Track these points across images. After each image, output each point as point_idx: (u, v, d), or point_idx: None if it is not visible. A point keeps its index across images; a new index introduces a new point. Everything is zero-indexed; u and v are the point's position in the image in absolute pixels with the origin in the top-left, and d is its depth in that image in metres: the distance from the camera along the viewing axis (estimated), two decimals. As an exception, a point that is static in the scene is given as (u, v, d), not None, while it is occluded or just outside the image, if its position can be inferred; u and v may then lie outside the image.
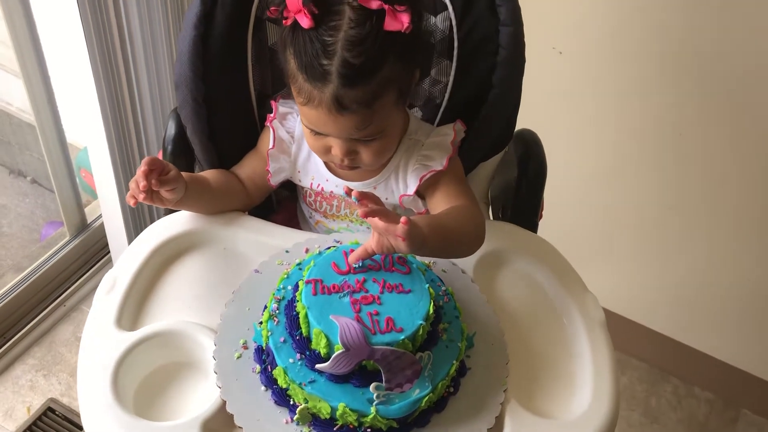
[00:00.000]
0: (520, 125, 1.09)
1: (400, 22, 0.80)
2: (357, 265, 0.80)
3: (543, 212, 1.12)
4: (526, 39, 0.98)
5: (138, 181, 0.83)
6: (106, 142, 1.53)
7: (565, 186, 1.60)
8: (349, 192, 0.76)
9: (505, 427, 0.80)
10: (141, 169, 0.84)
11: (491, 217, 1.15)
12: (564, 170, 1.55)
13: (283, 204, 1.11)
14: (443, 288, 0.86)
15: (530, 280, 0.97)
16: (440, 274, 0.90)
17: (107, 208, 1.69)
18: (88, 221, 1.92)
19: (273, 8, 0.83)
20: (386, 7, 0.80)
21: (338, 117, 0.83)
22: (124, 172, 1.59)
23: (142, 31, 1.41)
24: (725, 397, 1.82)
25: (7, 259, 2.14)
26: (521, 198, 1.07)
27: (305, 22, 0.80)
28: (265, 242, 0.95)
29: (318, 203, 1.02)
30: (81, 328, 1.81)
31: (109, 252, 1.89)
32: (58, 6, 1.34)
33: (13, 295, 1.76)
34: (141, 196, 0.84)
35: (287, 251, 0.93)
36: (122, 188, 1.62)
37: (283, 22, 0.83)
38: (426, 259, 0.90)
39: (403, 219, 0.74)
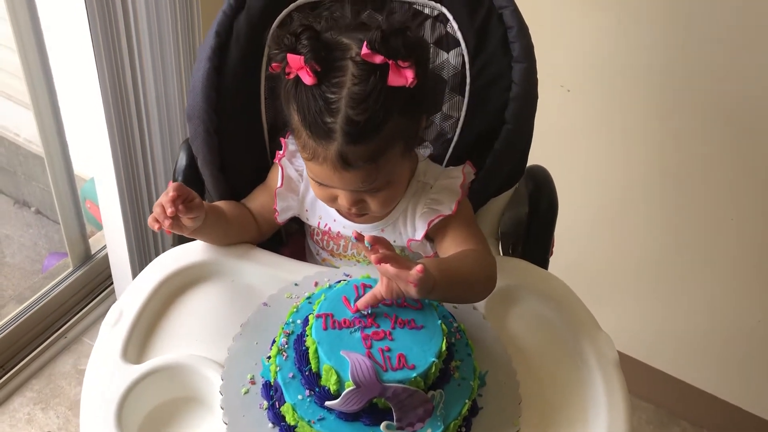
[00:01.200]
0: (531, 162, 1.09)
1: (404, 77, 0.79)
2: (366, 312, 0.78)
3: (553, 249, 1.11)
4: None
5: (165, 206, 0.83)
6: (114, 173, 1.53)
7: (568, 226, 1.59)
8: (359, 237, 0.75)
9: (518, 469, 0.78)
10: (169, 194, 0.83)
11: (501, 253, 1.14)
12: (568, 209, 1.55)
13: (293, 237, 1.10)
14: (455, 324, 0.85)
15: (542, 317, 0.96)
16: (451, 310, 0.89)
17: (112, 238, 1.68)
18: (92, 252, 1.91)
19: (275, 64, 0.82)
20: (389, 62, 0.78)
21: (344, 173, 0.83)
22: (130, 203, 1.59)
23: (153, 63, 1.42)
24: (735, 440, 1.79)
25: (9, 290, 2.13)
26: (532, 234, 1.06)
27: (308, 79, 0.79)
28: (274, 275, 0.94)
29: (325, 242, 1.01)
30: (82, 361, 1.80)
31: (112, 284, 1.87)
32: (70, 38, 1.36)
33: (13, 326, 1.74)
34: (167, 223, 0.83)
35: (296, 284, 0.92)
36: (128, 219, 1.61)
37: (286, 76, 0.82)
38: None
39: (419, 267, 0.72)
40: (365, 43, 0.78)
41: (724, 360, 1.73)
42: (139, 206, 1.63)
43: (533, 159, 1.10)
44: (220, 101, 0.96)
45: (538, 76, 0.99)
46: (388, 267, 0.73)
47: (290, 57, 0.78)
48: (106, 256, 1.88)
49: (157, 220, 0.84)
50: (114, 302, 0.89)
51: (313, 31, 0.80)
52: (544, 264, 1.06)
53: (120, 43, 1.36)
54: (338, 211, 0.98)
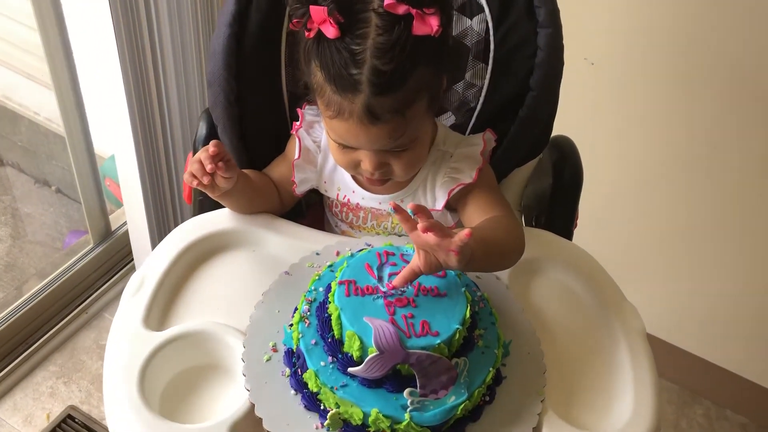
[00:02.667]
0: (556, 133, 1.07)
1: (429, 25, 0.77)
2: (404, 290, 0.77)
3: (578, 222, 1.09)
4: None
5: (204, 162, 0.83)
6: (134, 149, 1.53)
7: (592, 200, 1.57)
8: (396, 208, 0.73)
9: (543, 439, 0.77)
10: (209, 150, 0.83)
11: (524, 225, 1.12)
12: (591, 183, 1.53)
13: (312, 209, 1.09)
14: (479, 293, 0.83)
15: (566, 288, 0.94)
16: (475, 279, 0.88)
17: (132, 214, 1.68)
18: (113, 229, 1.92)
19: (295, 20, 0.80)
20: (413, 11, 0.77)
21: (370, 127, 0.80)
22: (150, 179, 1.59)
23: (173, 39, 1.41)
24: (759, 421, 1.76)
25: (30, 267, 2.15)
26: (556, 205, 1.04)
27: (331, 32, 0.77)
28: (295, 244, 0.93)
29: (344, 214, 1.00)
30: (103, 336, 1.82)
31: (132, 260, 1.88)
32: (91, 16, 1.35)
33: (35, 301, 1.75)
34: (205, 179, 0.84)
35: (317, 254, 0.91)
36: (148, 195, 1.61)
37: (306, 34, 0.80)
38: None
39: (466, 231, 0.70)
40: None
41: (750, 339, 1.71)
42: (159, 181, 1.63)
43: (556, 131, 1.08)
44: (240, 68, 0.95)
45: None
46: (430, 236, 0.71)
47: (313, 9, 0.76)
48: (126, 233, 1.88)
49: (195, 176, 0.84)
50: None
51: None
52: (568, 235, 1.05)
53: (139, 13, 1.35)
54: (357, 180, 0.96)
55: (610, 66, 1.53)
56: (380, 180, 0.90)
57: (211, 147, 0.83)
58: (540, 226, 1.07)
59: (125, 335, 0.82)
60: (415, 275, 0.75)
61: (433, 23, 0.77)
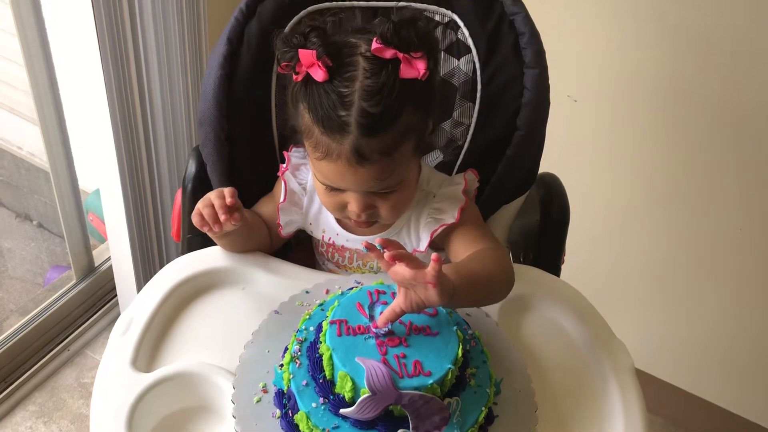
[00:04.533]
0: (542, 170, 1.09)
1: (416, 69, 0.79)
2: (385, 329, 0.76)
3: (565, 257, 1.10)
4: None
5: (218, 210, 0.84)
6: (120, 184, 1.52)
7: (576, 235, 1.58)
8: (369, 246, 0.73)
9: (535, 478, 0.77)
10: (227, 200, 0.84)
11: (512, 262, 1.13)
12: (575, 218, 1.54)
13: (303, 244, 1.09)
14: (470, 331, 0.83)
15: (556, 325, 0.95)
16: (465, 317, 0.88)
17: (117, 249, 1.67)
18: (95, 264, 1.90)
19: (284, 63, 0.81)
20: (400, 55, 0.78)
21: (358, 168, 0.81)
22: (136, 214, 1.58)
23: (160, 71, 1.41)
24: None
25: (10, 303, 2.12)
26: (544, 241, 1.05)
27: (320, 75, 0.78)
28: (285, 282, 0.93)
29: (330, 254, 1.00)
30: (84, 374, 1.79)
31: (115, 296, 1.86)
32: (78, 51, 1.35)
33: (16, 339, 1.73)
34: (216, 228, 0.85)
35: (307, 292, 0.91)
36: (133, 230, 1.60)
37: (294, 77, 0.81)
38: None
39: (433, 255, 0.70)
40: (376, 37, 0.77)
41: (735, 371, 1.72)
42: (145, 217, 1.62)
43: (542, 168, 1.10)
44: (231, 108, 0.95)
45: None
46: (404, 269, 0.71)
47: (302, 53, 0.78)
48: (109, 269, 1.86)
49: (206, 222, 0.85)
50: (118, 315, 0.88)
51: (322, 30, 0.79)
52: (555, 271, 1.05)
53: (127, 51, 1.35)
54: (341, 223, 0.96)
55: (592, 103, 1.56)
56: (367, 222, 0.90)
57: (229, 197, 0.84)
58: (528, 262, 1.07)
59: (113, 377, 0.81)
60: (396, 315, 0.75)
61: (420, 67, 0.79)
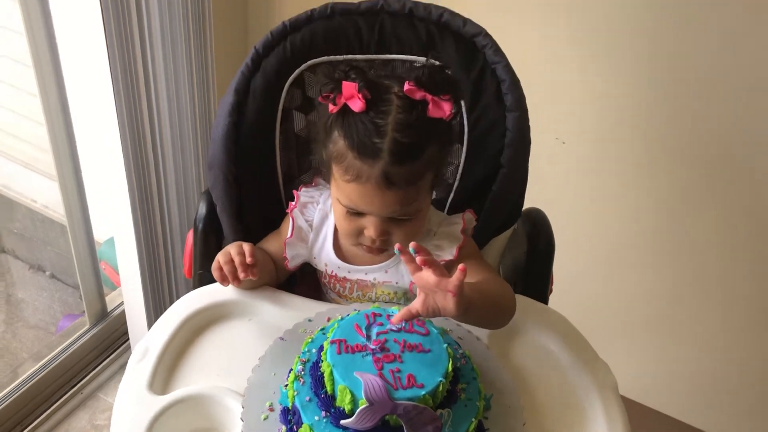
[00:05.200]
0: (529, 206, 1.17)
1: (443, 110, 0.89)
2: (396, 327, 0.84)
3: (553, 287, 1.17)
4: (532, 129, 1.07)
5: (238, 268, 0.93)
6: (134, 233, 1.61)
7: (565, 268, 1.65)
8: (401, 249, 0.81)
9: (524, 487, 0.82)
10: (248, 260, 0.92)
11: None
12: (563, 256, 1.61)
13: (309, 276, 1.16)
14: (461, 351, 0.90)
15: (543, 347, 1.01)
16: (457, 340, 0.94)
17: (129, 295, 1.75)
18: (108, 310, 1.97)
19: (326, 93, 0.90)
20: (429, 97, 0.88)
21: (385, 192, 0.89)
22: (148, 259, 1.66)
23: (171, 124, 1.52)
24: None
25: (23, 352, 2.18)
26: (532, 272, 1.12)
27: (358, 105, 0.87)
28: (289, 313, 1.00)
29: (332, 285, 1.08)
30: (97, 416, 1.84)
31: (127, 340, 1.93)
32: (95, 110, 1.46)
33: (31, 383, 1.78)
34: (235, 283, 0.94)
35: (310, 320, 0.98)
36: (146, 275, 1.68)
37: (330, 108, 0.90)
38: (442, 326, 0.95)
39: (460, 266, 0.78)
40: (410, 80, 0.87)
41: (714, 396, 1.78)
42: (156, 261, 1.70)
43: (531, 204, 1.18)
44: (238, 153, 1.04)
45: (535, 130, 1.08)
46: (429, 274, 0.79)
47: (345, 84, 0.87)
48: (121, 314, 1.94)
49: (226, 277, 0.93)
50: (129, 358, 0.94)
51: (361, 69, 0.90)
52: (543, 300, 1.12)
53: (140, 104, 1.46)
54: (341, 256, 1.03)
55: (579, 145, 1.64)
56: (379, 249, 0.97)
57: (249, 257, 0.93)
58: (517, 292, 1.14)
59: (131, 399, 0.88)
60: (411, 315, 0.82)
61: (447, 108, 0.89)
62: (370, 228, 0.94)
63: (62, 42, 1.52)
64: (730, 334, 1.70)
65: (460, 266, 0.78)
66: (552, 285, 1.16)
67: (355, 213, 0.94)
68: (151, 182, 1.58)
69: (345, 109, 0.89)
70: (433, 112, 0.89)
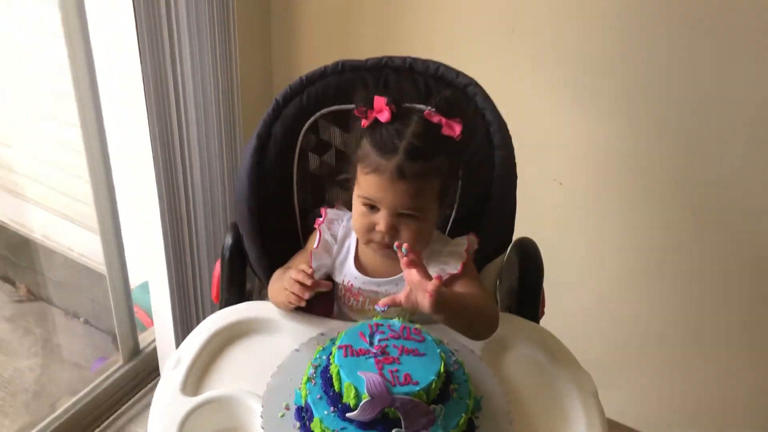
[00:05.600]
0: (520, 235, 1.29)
1: (453, 130, 1.06)
2: (382, 309, 0.98)
3: (545, 309, 1.28)
4: (531, 172, 1.21)
5: (304, 286, 1.08)
6: (167, 275, 1.77)
7: (566, 309, 1.77)
8: (399, 246, 0.97)
9: (510, 475, 0.93)
10: (307, 282, 1.08)
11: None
12: (565, 292, 1.73)
13: (320, 300, 1.28)
14: (454, 358, 1.02)
15: (531, 359, 1.12)
16: (451, 349, 1.06)
17: (161, 333, 1.89)
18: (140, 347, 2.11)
19: (361, 107, 1.08)
20: (443, 120, 1.06)
21: (397, 184, 1.04)
22: (179, 296, 1.81)
23: (202, 175, 1.69)
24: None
25: (59, 391, 2.30)
26: (523, 293, 1.24)
27: (385, 116, 1.05)
28: (304, 328, 1.13)
29: (346, 298, 1.20)
30: (130, 448, 1.96)
31: (158, 376, 2.06)
32: (136, 170, 1.65)
33: (67, 416, 1.91)
34: (302, 303, 1.10)
35: (322, 334, 1.10)
36: (176, 315, 1.83)
37: (363, 122, 1.07)
38: (439, 336, 1.07)
39: (436, 276, 0.94)
40: (430, 107, 1.06)
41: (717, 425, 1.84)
42: (186, 303, 1.85)
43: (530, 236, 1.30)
44: (261, 188, 1.19)
45: (533, 172, 1.20)
46: (414, 272, 0.94)
47: (377, 98, 1.06)
48: (152, 351, 2.07)
49: (298, 297, 1.09)
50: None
51: (389, 90, 1.11)
52: (535, 319, 1.23)
53: (176, 163, 1.64)
54: (360, 269, 1.16)
55: (576, 185, 1.77)
56: (387, 245, 1.09)
57: (309, 280, 1.08)
58: (512, 312, 1.26)
59: (166, 400, 1.01)
60: (394, 302, 0.98)
61: (457, 129, 1.06)
62: (381, 223, 1.08)
63: (106, 106, 1.71)
64: (741, 363, 1.77)
65: (436, 276, 0.95)
66: (543, 307, 1.28)
67: (370, 207, 1.09)
68: (183, 228, 1.74)
69: (375, 121, 1.07)
70: (445, 130, 1.06)
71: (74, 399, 1.95)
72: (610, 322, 1.88)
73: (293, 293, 1.08)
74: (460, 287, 1.12)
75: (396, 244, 0.98)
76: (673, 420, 1.90)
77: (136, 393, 2.06)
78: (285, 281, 1.10)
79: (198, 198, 1.71)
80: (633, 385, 1.90)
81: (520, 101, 1.65)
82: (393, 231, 1.08)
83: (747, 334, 1.74)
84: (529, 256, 1.26)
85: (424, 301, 0.94)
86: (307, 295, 1.08)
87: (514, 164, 1.20)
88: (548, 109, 1.69)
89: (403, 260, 0.97)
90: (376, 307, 0.99)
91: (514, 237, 1.27)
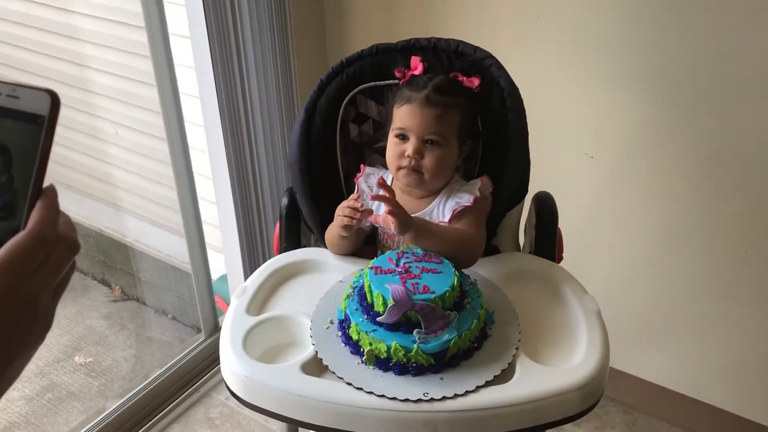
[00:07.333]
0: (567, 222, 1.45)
1: (472, 83, 1.33)
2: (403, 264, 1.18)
3: (563, 254, 1.44)
4: (562, 145, 1.39)
5: (352, 210, 1.27)
6: (242, 272, 2.07)
7: (604, 276, 1.90)
8: (380, 183, 1.19)
9: (516, 371, 1.10)
10: (357, 205, 1.27)
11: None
12: (598, 263, 1.86)
13: (363, 246, 1.48)
14: (470, 279, 1.20)
15: (542, 285, 1.29)
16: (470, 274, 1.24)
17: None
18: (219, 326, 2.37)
19: (401, 67, 1.36)
20: (463, 78, 1.33)
21: (425, 109, 1.26)
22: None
23: (268, 167, 1.95)
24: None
25: (154, 362, 2.56)
26: (541, 237, 1.41)
27: (419, 69, 1.34)
28: (347, 266, 1.34)
29: (385, 240, 1.40)
30: (211, 410, 2.20)
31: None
32: (214, 171, 1.93)
33: (157, 383, 2.17)
34: (355, 222, 1.27)
35: (361, 269, 1.30)
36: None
37: (401, 80, 1.35)
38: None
39: (387, 209, 1.16)
40: (455, 70, 1.36)
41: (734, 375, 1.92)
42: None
43: (564, 221, 1.44)
44: (309, 153, 1.41)
45: (566, 145, 1.37)
46: (383, 205, 1.18)
47: (413, 58, 1.36)
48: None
49: (352, 218, 1.26)
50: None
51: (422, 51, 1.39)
52: (551, 258, 1.40)
53: (246, 159, 1.92)
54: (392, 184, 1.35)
55: (606, 158, 1.91)
56: (415, 168, 1.28)
57: (355, 203, 1.27)
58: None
59: (234, 319, 1.23)
60: (376, 220, 1.26)
61: (475, 82, 1.33)
62: (409, 148, 1.28)
63: (187, 121, 2.00)
64: (757, 323, 1.86)
65: (386, 209, 1.17)
66: (562, 252, 1.43)
67: (401, 138, 1.30)
68: (254, 223, 2.02)
69: (411, 77, 1.34)
70: (466, 83, 1.33)
71: (163, 368, 2.22)
72: (646, 286, 1.99)
73: (345, 216, 1.27)
74: (463, 220, 1.29)
75: (378, 180, 1.21)
76: (716, 379, 1.98)
77: (216, 365, 2.31)
78: (338, 211, 1.30)
79: (266, 194, 1.98)
80: (663, 347, 2.00)
81: (547, 84, 1.81)
82: (419, 155, 1.28)
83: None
84: (544, 205, 1.43)
85: (393, 226, 1.17)
86: (357, 215, 1.25)
87: (525, 122, 1.38)
88: (573, 90, 1.84)
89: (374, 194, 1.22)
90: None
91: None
